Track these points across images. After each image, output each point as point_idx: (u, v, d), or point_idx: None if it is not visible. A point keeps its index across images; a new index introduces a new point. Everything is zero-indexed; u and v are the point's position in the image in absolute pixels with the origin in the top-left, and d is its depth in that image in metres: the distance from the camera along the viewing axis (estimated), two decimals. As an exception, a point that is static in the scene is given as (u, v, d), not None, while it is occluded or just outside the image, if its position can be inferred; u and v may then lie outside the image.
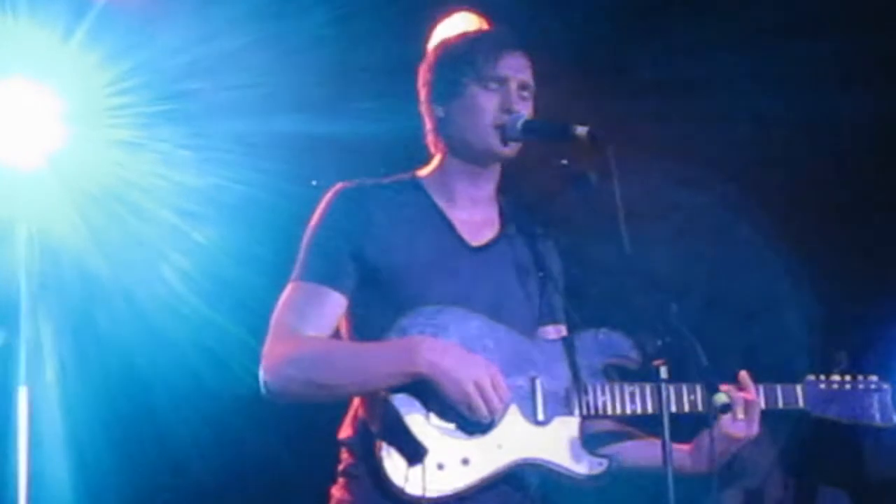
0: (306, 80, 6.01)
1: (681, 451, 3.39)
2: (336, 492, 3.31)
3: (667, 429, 2.99)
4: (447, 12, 3.59)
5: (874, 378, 3.56)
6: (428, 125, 3.47)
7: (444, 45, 3.46)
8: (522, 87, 3.39)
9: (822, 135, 6.17)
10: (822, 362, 3.67)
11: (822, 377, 3.54)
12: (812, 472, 6.44)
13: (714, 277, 6.23)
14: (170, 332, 6.80)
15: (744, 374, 3.43)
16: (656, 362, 3.04)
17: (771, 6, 5.91)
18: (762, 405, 3.42)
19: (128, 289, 6.69)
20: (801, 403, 3.49)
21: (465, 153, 3.41)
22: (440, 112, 3.41)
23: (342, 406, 3.41)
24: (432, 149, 3.49)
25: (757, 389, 3.42)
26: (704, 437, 3.35)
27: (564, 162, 3.27)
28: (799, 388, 3.50)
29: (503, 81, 3.36)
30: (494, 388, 3.15)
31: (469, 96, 3.36)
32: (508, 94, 3.35)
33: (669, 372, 3.07)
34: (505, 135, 3.34)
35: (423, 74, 3.48)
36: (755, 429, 3.36)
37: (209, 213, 6.38)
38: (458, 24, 3.55)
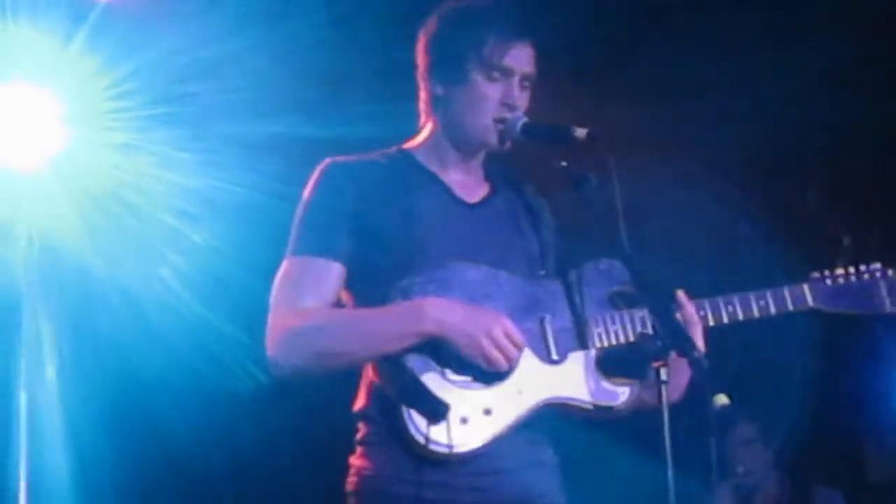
0: (303, 82, 6.02)
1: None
2: (356, 461, 3.28)
3: (667, 425, 2.98)
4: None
5: (878, 265, 3.51)
6: (423, 95, 3.44)
7: (450, 16, 3.39)
8: (525, 77, 3.37)
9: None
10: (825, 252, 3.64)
11: (827, 272, 3.49)
12: (808, 472, 6.45)
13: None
14: (169, 332, 6.81)
15: (681, 294, 3.38)
16: (656, 364, 3.03)
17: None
18: (772, 310, 3.41)
19: (127, 289, 6.70)
20: (810, 302, 3.44)
21: (458, 138, 3.40)
22: (439, 90, 3.38)
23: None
24: (423, 118, 3.46)
25: (746, 299, 3.38)
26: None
27: (564, 164, 3.26)
28: (806, 287, 3.45)
29: (508, 73, 3.34)
30: (508, 336, 3.15)
31: (472, 84, 3.33)
32: (511, 88, 3.33)
33: (669, 374, 3.06)
34: (503, 133, 3.34)
35: (423, 42, 3.42)
36: (683, 382, 3.31)
37: (207, 215, 6.39)
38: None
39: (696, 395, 3.20)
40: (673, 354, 3.05)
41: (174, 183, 6.33)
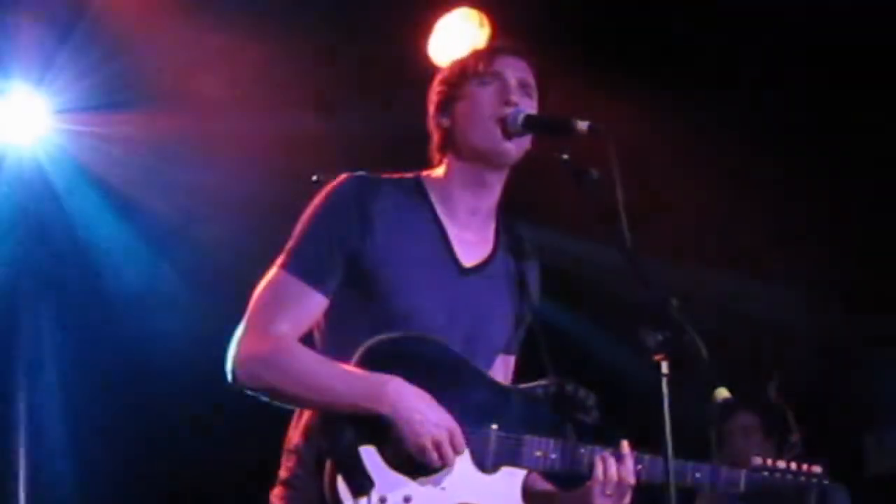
0: (306, 77, 6.04)
1: (551, 495, 3.44)
2: (276, 500, 3.31)
3: (667, 425, 2.99)
4: (447, 7, 3.59)
5: (819, 469, 3.58)
6: (435, 140, 3.47)
7: (451, 63, 3.50)
8: (522, 84, 3.38)
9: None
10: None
11: (769, 462, 3.54)
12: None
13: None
14: (171, 330, 6.83)
15: (625, 444, 3.39)
16: (657, 357, 3.03)
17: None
18: (705, 482, 3.44)
19: (128, 287, 6.71)
20: (742, 489, 3.50)
21: (471, 155, 3.39)
22: (445, 122, 3.42)
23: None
24: (437, 160, 3.48)
25: (682, 467, 3.38)
26: (567, 499, 3.38)
27: (566, 157, 3.26)
28: (743, 475, 3.51)
29: (500, 76, 3.37)
30: (452, 444, 3.18)
31: (469, 97, 3.37)
32: (506, 87, 3.35)
33: (670, 367, 3.07)
34: (506, 129, 3.33)
35: (430, 92, 3.49)
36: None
37: (208, 210, 6.41)
38: (458, 21, 3.57)
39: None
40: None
41: (176, 178, 6.36)
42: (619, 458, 3.35)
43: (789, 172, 6.46)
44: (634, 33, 6.08)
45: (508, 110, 3.33)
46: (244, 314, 3.28)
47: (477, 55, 3.45)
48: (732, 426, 6.22)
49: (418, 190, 3.42)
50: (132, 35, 5.96)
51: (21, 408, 6.86)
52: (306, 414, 3.30)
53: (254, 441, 6.86)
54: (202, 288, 6.64)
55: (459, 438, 3.20)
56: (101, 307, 6.85)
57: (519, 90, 3.37)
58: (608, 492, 3.32)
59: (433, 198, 3.41)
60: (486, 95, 3.36)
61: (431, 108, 3.47)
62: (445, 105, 3.43)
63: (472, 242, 3.43)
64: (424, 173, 3.47)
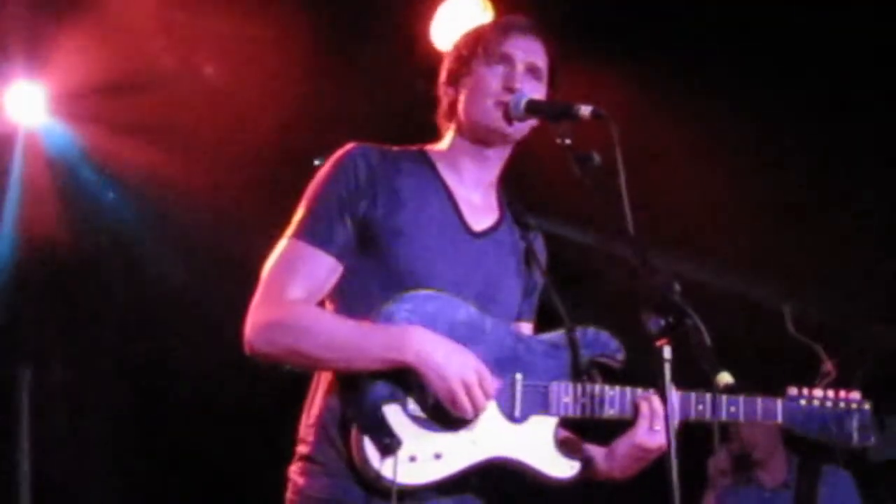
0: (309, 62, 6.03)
1: (595, 454, 3.40)
2: (299, 478, 3.25)
3: (669, 411, 2.96)
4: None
5: (856, 395, 3.50)
6: (441, 107, 3.49)
7: (467, 32, 3.50)
8: (531, 69, 3.37)
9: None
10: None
11: (805, 391, 3.48)
12: (815, 451, 6.46)
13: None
14: (174, 325, 6.84)
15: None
16: (660, 342, 3.01)
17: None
18: (741, 417, 3.40)
19: (132, 284, 6.72)
20: (779, 419, 3.44)
21: (472, 132, 3.40)
22: (452, 93, 3.43)
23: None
24: (443, 131, 3.49)
25: (718, 402, 3.37)
26: (620, 444, 3.35)
27: (568, 141, 3.24)
28: (780, 403, 3.45)
29: (508, 59, 3.36)
30: (481, 384, 3.14)
31: (475, 74, 3.38)
32: (513, 73, 3.34)
33: (673, 351, 3.06)
34: (508, 113, 3.33)
35: (446, 57, 3.51)
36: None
37: (208, 204, 6.40)
38: (461, 6, 3.57)
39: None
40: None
41: (176, 173, 6.36)
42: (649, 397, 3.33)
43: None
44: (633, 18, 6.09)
45: (511, 96, 3.32)
46: (256, 288, 3.25)
47: (491, 30, 3.44)
48: None
49: (423, 158, 3.43)
50: (132, 18, 5.96)
51: (25, 407, 6.87)
52: (323, 386, 3.27)
53: (260, 441, 6.90)
54: (208, 276, 6.64)
55: (489, 379, 3.16)
56: (107, 298, 6.86)
57: (526, 75, 3.36)
58: (656, 427, 3.29)
59: (439, 166, 3.41)
60: (491, 78, 3.36)
61: (442, 75, 3.49)
62: (454, 75, 3.44)
63: (479, 208, 3.43)
64: (428, 146, 3.48)
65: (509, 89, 3.33)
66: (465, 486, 3.25)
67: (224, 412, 6.96)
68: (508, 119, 3.34)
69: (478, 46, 3.39)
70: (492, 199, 3.49)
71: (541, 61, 3.40)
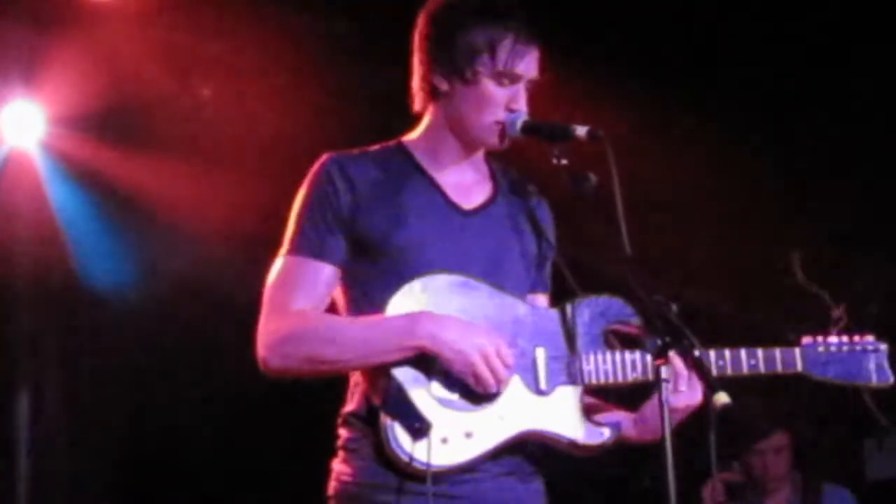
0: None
1: (625, 419, 3.37)
2: (336, 465, 3.28)
3: (666, 423, 2.96)
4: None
5: (871, 338, 3.49)
6: (421, 83, 3.36)
7: (464, 12, 3.32)
8: (529, 81, 3.33)
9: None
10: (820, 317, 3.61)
11: (820, 338, 3.47)
12: (817, 470, 6.48)
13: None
14: (172, 330, 6.83)
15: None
16: (658, 361, 3.01)
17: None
18: (761, 370, 3.38)
19: (131, 286, 6.71)
20: (799, 367, 3.42)
21: (458, 134, 3.35)
22: (442, 84, 3.32)
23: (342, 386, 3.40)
24: (418, 106, 3.40)
25: (737, 356, 3.36)
26: (648, 407, 3.32)
27: (564, 161, 3.24)
28: (798, 352, 3.43)
29: (517, 80, 3.29)
30: (500, 356, 3.14)
31: (480, 87, 3.28)
32: (518, 94, 3.29)
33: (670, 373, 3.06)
34: (503, 131, 3.31)
35: (429, 30, 3.35)
36: (698, 398, 3.25)
37: (206, 212, 6.40)
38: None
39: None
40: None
41: (176, 182, 6.36)
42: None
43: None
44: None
45: (509, 116, 3.30)
46: (260, 307, 3.25)
47: (504, 43, 3.26)
48: (764, 446, 6.23)
49: (400, 150, 3.38)
50: (129, 39, 5.97)
51: (24, 410, 6.86)
52: (352, 383, 3.28)
53: (260, 442, 6.89)
54: (201, 290, 6.63)
55: (505, 349, 3.15)
56: (99, 309, 6.85)
57: (525, 93, 3.33)
58: (681, 387, 3.25)
59: (417, 156, 3.37)
60: (497, 96, 3.28)
61: (425, 51, 3.34)
62: (447, 67, 3.30)
63: (467, 187, 3.38)
64: (405, 138, 3.43)
65: (511, 110, 3.30)
66: (505, 455, 3.24)
67: (225, 424, 6.96)
68: (502, 137, 3.32)
69: (488, 53, 3.25)
70: (482, 174, 3.44)
71: (539, 73, 3.36)
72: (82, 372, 6.94)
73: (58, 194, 6.49)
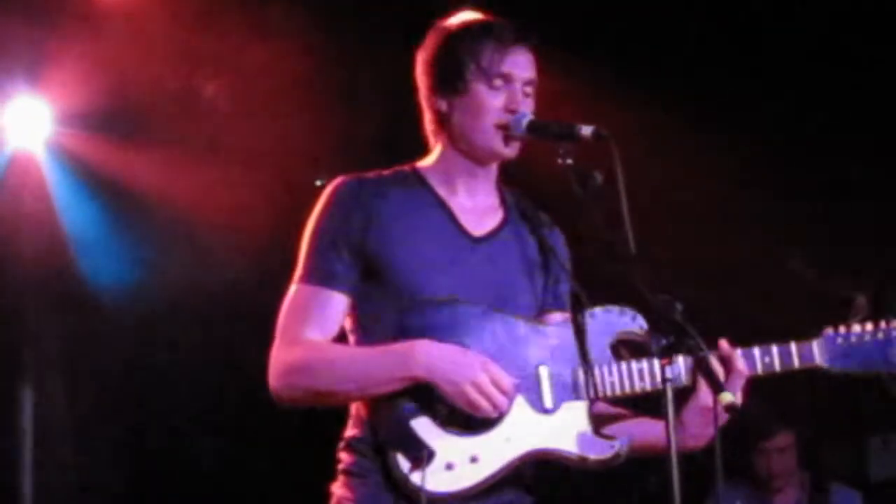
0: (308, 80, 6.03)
1: (649, 427, 3.33)
2: (337, 490, 3.29)
3: (671, 427, 2.96)
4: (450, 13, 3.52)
5: (895, 324, 3.36)
6: (429, 116, 3.42)
7: (446, 34, 3.38)
8: (527, 83, 3.34)
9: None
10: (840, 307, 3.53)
11: (842, 329, 3.36)
12: (823, 471, 6.49)
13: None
14: (174, 331, 6.82)
15: (724, 344, 3.31)
16: (662, 362, 3.01)
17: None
18: (776, 367, 3.32)
19: (132, 288, 6.70)
20: (818, 361, 3.33)
21: (466, 149, 3.37)
22: (443, 106, 3.36)
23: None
24: (432, 140, 3.44)
25: (749, 354, 3.30)
26: (687, 412, 3.28)
27: (570, 162, 3.24)
28: (815, 345, 3.34)
29: (508, 79, 3.31)
30: (495, 383, 3.14)
31: (473, 94, 3.31)
32: (514, 94, 3.31)
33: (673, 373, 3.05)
34: (507, 134, 3.31)
35: (423, 63, 3.41)
36: (739, 399, 3.20)
37: (211, 214, 6.40)
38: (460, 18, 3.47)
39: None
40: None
41: (179, 182, 6.35)
42: (722, 358, 3.26)
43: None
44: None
45: (512, 117, 3.30)
46: (274, 332, 3.30)
47: (486, 44, 3.31)
48: (770, 446, 6.24)
49: (415, 176, 3.41)
50: (134, 39, 5.98)
51: (27, 412, 6.86)
52: (353, 411, 3.30)
53: (261, 444, 6.89)
54: (205, 292, 6.63)
55: (500, 375, 3.15)
56: (105, 310, 6.84)
57: (524, 95, 3.33)
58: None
59: (431, 181, 3.39)
60: (491, 99, 3.30)
61: (425, 83, 3.40)
62: (443, 87, 3.35)
63: (478, 214, 3.40)
64: (419, 163, 3.45)
65: (511, 111, 3.31)
66: (507, 485, 3.24)
67: (230, 428, 6.96)
68: (507, 140, 3.32)
69: (473, 61, 3.30)
70: (493, 201, 3.46)
71: (534, 73, 3.37)
72: (85, 372, 6.93)
73: (62, 193, 6.49)
